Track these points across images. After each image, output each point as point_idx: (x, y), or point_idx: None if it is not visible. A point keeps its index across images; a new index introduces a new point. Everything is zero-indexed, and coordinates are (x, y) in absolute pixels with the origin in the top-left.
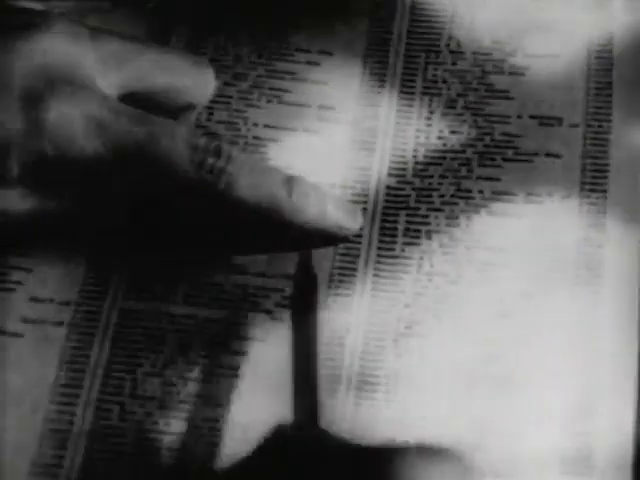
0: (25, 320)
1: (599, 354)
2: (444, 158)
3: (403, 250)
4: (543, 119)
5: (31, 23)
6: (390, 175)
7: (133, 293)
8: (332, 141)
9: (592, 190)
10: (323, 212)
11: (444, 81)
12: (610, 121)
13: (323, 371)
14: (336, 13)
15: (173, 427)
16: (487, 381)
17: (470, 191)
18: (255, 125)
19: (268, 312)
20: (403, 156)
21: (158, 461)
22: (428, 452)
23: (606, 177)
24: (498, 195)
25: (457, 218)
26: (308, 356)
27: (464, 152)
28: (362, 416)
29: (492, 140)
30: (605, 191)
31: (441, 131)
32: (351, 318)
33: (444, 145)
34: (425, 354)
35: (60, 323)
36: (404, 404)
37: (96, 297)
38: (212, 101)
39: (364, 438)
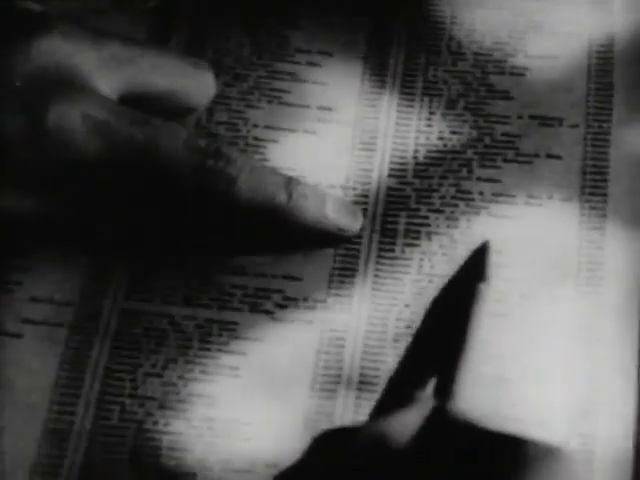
0: (25, 320)
1: (600, 355)
2: (444, 159)
3: (403, 251)
4: (543, 119)
5: (31, 24)
6: (390, 176)
7: (133, 294)
8: (332, 142)
9: (592, 194)
10: (323, 214)
11: (445, 82)
12: (610, 122)
13: (323, 371)
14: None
15: (173, 427)
16: (487, 382)
17: (470, 192)
18: (255, 126)
19: (268, 313)
20: (403, 157)
21: (158, 461)
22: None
23: (606, 180)
24: (498, 197)
25: (457, 219)
26: (465, 327)
27: (464, 153)
28: (362, 415)
29: (492, 140)
30: (605, 194)
31: (442, 132)
32: (351, 318)
33: (445, 146)
34: None
35: (60, 323)
36: None
37: (96, 297)
38: (212, 102)
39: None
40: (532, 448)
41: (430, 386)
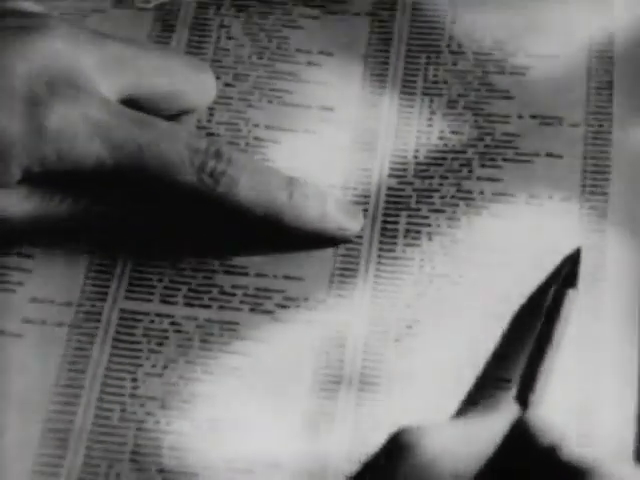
0: (26, 321)
1: (600, 356)
2: (445, 159)
3: (404, 251)
4: (544, 119)
5: (31, 25)
6: (391, 176)
7: (133, 294)
8: (333, 142)
9: (593, 193)
10: (324, 214)
11: (445, 81)
12: (611, 120)
13: (324, 371)
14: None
15: (174, 427)
16: None
17: (471, 192)
18: (256, 126)
19: (269, 313)
20: (404, 157)
21: (159, 461)
22: None
23: (607, 179)
24: (499, 196)
25: (458, 219)
26: (551, 333)
27: (465, 152)
28: (363, 415)
29: (493, 140)
30: (606, 193)
31: (442, 131)
32: (352, 318)
33: (445, 145)
34: (426, 354)
35: (61, 324)
36: (405, 404)
37: (97, 298)
38: (213, 102)
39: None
40: None
41: (513, 390)
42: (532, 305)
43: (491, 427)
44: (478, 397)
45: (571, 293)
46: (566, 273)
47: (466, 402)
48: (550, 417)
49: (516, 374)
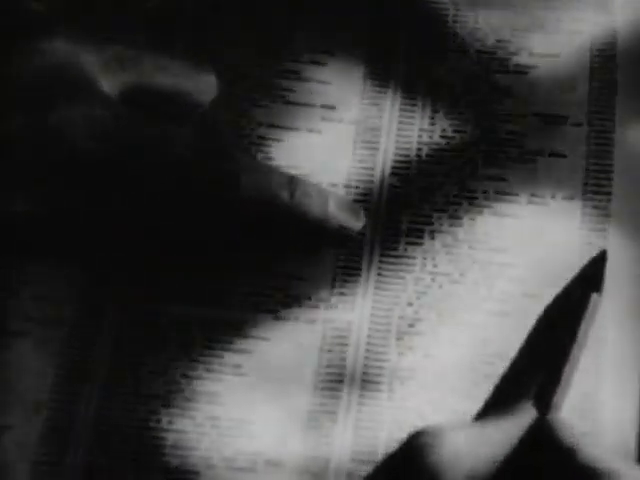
0: (27, 319)
1: (601, 355)
2: (447, 157)
3: (406, 250)
4: (547, 118)
5: (34, 24)
6: (393, 174)
7: (136, 292)
8: (335, 140)
9: (595, 192)
10: (326, 212)
11: (447, 80)
12: (613, 120)
13: (326, 370)
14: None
15: (177, 425)
16: (489, 380)
17: (474, 191)
18: (259, 124)
19: (272, 311)
20: (406, 155)
21: (161, 459)
22: None
23: (610, 179)
24: (502, 195)
25: (460, 218)
26: (574, 336)
27: (468, 151)
28: (365, 414)
29: (496, 139)
30: (609, 193)
31: (444, 130)
32: (354, 317)
33: (447, 144)
34: (428, 352)
35: (63, 322)
36: (407, 402)
37: (98, 296)
38: (216, 101)
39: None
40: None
41: (532, 394)
42: (555, 309)
43: (508, 430)
44: (498, 400)
45: (595, 297)
46: (590, 276)
47: (486, 405)
48: (569, 420)
49: (536, 378)
